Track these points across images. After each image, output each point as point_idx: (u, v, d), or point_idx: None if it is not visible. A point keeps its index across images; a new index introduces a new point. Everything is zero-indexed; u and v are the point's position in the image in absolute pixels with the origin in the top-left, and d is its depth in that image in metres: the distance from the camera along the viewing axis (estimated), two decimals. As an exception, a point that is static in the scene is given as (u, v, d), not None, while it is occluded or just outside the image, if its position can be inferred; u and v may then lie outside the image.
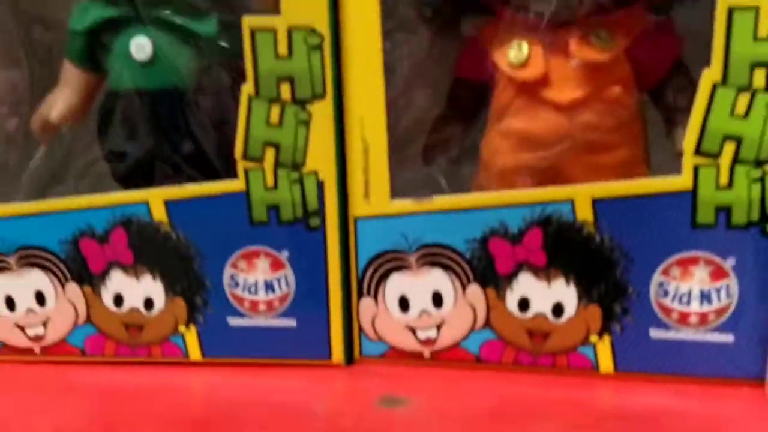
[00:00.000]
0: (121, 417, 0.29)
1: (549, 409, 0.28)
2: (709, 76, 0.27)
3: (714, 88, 0.27)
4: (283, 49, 0.29)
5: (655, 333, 0.29)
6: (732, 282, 0.28)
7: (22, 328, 0.33)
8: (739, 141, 0.27)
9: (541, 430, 0.27)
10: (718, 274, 0.28)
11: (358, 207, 0.31)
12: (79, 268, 0.32)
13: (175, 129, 0.32)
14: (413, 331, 0.31)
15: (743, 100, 0.27)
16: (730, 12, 0.26)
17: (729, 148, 0.27)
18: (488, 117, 0.33)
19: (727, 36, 0.26)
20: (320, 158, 0.30)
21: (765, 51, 0.26)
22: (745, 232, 0.28)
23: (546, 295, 0.30)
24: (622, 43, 0.30)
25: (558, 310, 0.30)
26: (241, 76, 0.30)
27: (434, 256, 0.31)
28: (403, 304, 0.31)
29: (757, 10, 0.26)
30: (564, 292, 0.30)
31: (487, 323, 0.31)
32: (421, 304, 0.31)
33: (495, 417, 0.28)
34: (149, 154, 0.33)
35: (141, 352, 0.33)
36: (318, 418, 0.28)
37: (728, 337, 0.29)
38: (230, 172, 0.31)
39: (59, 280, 0.33)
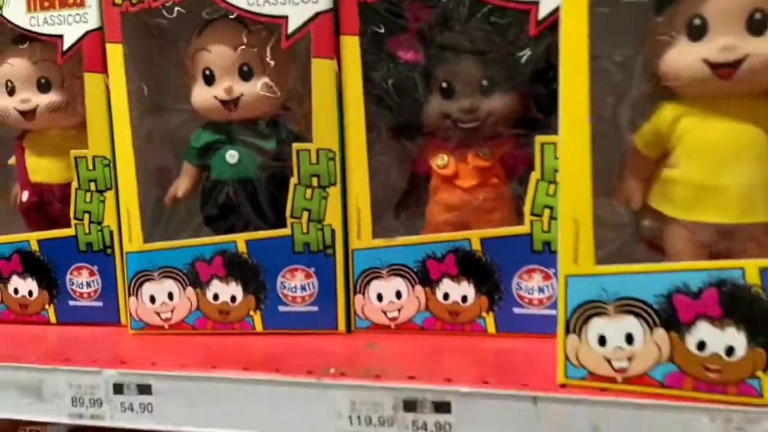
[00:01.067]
0: (221, 356, 0.54)
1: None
2: (535, 175, 0.53)
3: (537, 181, 0.53)
4: (313, 159, 0.56)
5: (517, 310, 0.55)
6: (554, 281, 0.54)
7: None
8: (551, 208, 0.53)
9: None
10: (546, 277, 0.54)
11: (354, 243, 0.57)
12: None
13: (250, 200, 0.59)
14: (384, 312, 0.57)
15: (552, 187, 0.53)
16: (542, 145, 0.53)
17: (546, 212, 0.53)
18: (429, 193, 0.59)
19: (541, 156, 0.53)
20: (333, 217, 0.57)
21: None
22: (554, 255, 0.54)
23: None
24: (497, 155, 0.57)
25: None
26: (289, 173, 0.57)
27: (394, 269, 0.57)
28: (379, 297, 0.57)
29: (554, 144, 0.52)
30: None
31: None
32: (390, 297, 0.57)
33: (434, 354, 0.53)
34: (234, 213, 0.59)
35: (228, 327, 0.59)
36: (332, 355, 0.53)
37: (553, 312, 0.55)
38: (282, 225, 0.58)
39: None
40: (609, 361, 0.44)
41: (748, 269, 0.41)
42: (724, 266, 0.41)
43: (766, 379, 0.41)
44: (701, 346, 0.42)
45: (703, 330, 0.42)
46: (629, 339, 0.44)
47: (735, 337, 0.41)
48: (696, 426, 0.42)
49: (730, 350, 0.42)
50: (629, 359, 0.44)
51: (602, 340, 0.44)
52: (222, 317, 0.59)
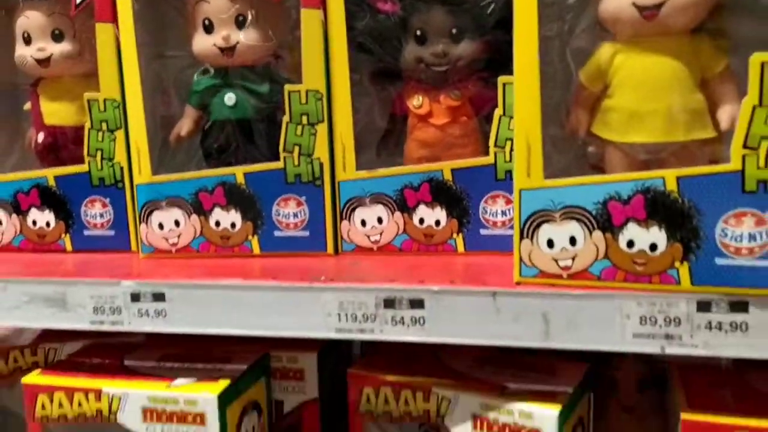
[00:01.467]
0: (224, 272, 0.62)
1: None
2: (498, 112, 0.62)
3: (500, 117, 0.62)
4: (303, 100, 0.64)
5: (483, 231, 0.64)
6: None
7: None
8: (513, 140, 0.62)
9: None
10: (508, 201, 0.63)
11: (340, 175, 0.66)
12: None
13: (246, 137, 0.67)
14: (368, 236, 0.66)
15: (513, 122, 0.62)
16: (504, 85, 0.61)
17: (508, 144, 0.62)
18: (407, 132, 0.68)
19: (503, 94, 0.61)
20: (321, 151, 0.65)
21: (519, 101, 0.61)
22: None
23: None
24: (467, 95, 0.65)
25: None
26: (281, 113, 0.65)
27: (375, 197, 0.65)
28: (363, 223, 0.66)
29: (513, 84, 0.61)
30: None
31: (405, 230, 0.66)
32: (372, 222, 0.66)
33: (410, 267, 0.62)
34: (232, 150, 0.67)
35: (228, 251, 0.67)
36: (321, 270, 0.61)
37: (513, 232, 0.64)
38: (275, 159, 0.66)
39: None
40: (556, 261, 0.53)
41: (668, 178, 0.50)
42: (648, 176, 0.50)
43: (683, 268, 0.50)
44: (630, 244, 0.51)
45: (631, 230, 0.51)
46: (572, 241, 0.53)
47: (657, 236, 0.51)
48: (626, 310, 0.51)
49: (653, 246, 0.51)
50: (572, 258, 0.53)
51: (550, 243, 0.53)
52: (223, 242, 0.67)
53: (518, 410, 0.57)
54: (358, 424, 0.64)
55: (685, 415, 0.53)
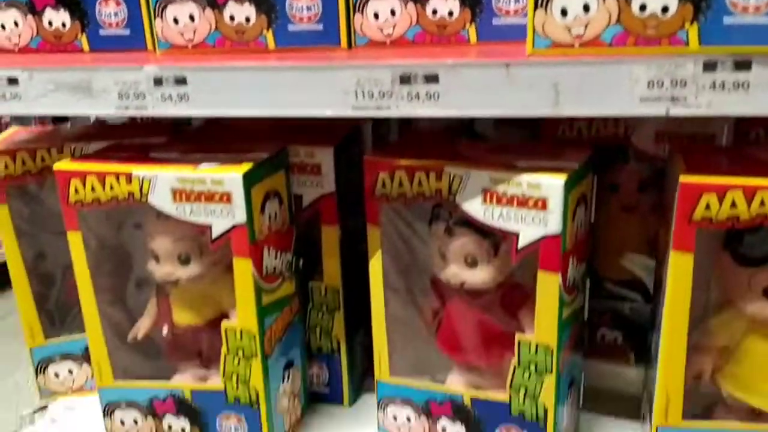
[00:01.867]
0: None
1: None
2: None
3: None
4: None
5: (495, 21, 0.65)
6: None
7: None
8: None
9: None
10: None
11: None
12: (212, 3, 0.68)
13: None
14: (381, 29, 0.67)
15: None
16: None
17: None
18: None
19: None
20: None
21: None
22: None
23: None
24: None
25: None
26: None
27: None
28: (376, 16, 0.67)
29: None
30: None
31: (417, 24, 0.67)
32: (385, 15, 0.67)
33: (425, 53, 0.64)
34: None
35: (243, 46, 0.68)
36: (333, 57, 0.63)
37: (524, 20, 0.65)
38: None
39: (202, 9, 0.68)
40: (569, 30, 0.55)
41: None
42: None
43: (692, 29, 0.52)
44: (643, 7, 0.53)
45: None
46: (586, 8, 0.54)
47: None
48: (636, 74, 0.53)
49: (665, 9, 0.52)
50: (585, 26, 0.54)
51: (564, 12, 0.54)
52: (238, 36, 0.69)
53: (526, 182, 0.61)
54: (374, 208, 0.68)
55: (683, 178, 0.57)
